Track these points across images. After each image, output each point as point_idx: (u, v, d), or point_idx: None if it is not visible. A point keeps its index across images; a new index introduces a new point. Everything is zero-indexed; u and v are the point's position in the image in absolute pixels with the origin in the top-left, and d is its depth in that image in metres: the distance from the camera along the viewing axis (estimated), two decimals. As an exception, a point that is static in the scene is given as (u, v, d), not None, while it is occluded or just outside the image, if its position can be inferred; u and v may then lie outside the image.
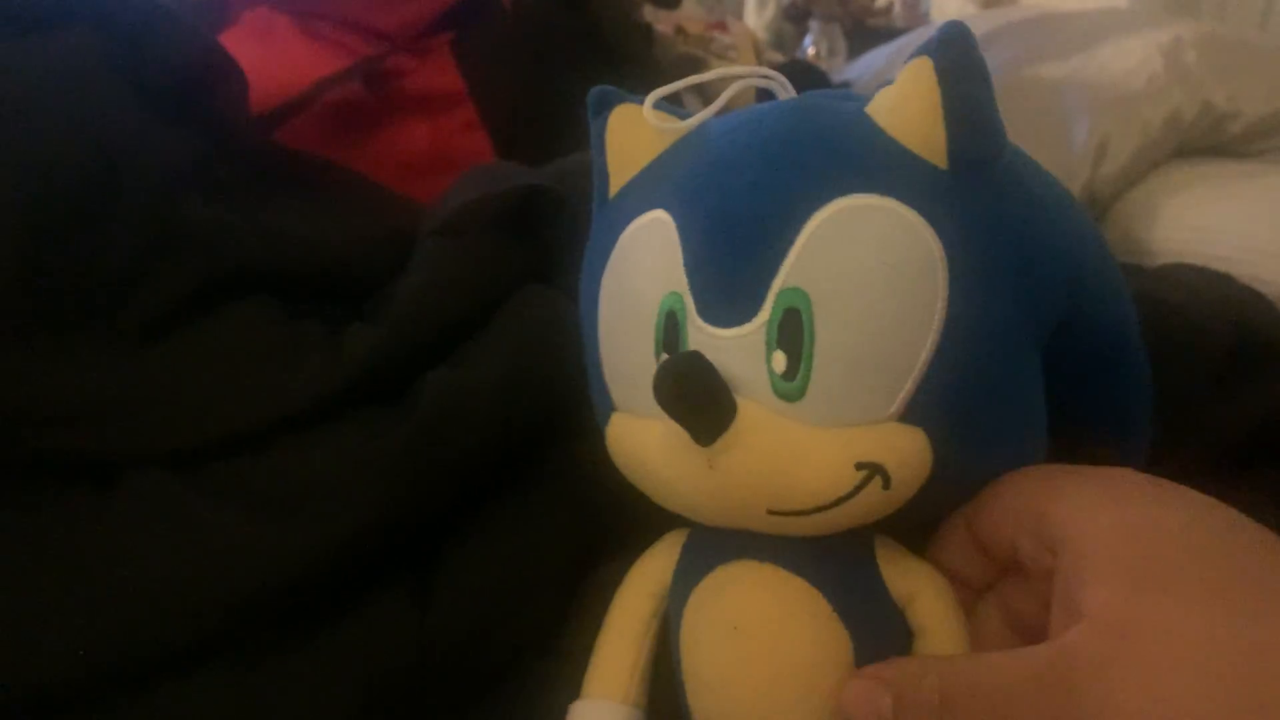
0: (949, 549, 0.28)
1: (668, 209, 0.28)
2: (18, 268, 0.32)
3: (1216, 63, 0.86)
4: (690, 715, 0.29)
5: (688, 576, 0.29)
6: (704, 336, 0.26)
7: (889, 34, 1.70)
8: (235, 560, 0.31)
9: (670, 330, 0.27)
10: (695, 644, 0.28)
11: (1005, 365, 0.26)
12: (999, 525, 0.26)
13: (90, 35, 0.39)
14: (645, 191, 0.29)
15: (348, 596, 0.33)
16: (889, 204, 0.25)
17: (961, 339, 0.24)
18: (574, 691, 0.30)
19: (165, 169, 0.37)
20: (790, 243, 0.25)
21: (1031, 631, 0.26)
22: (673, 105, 0.32)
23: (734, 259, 0.26)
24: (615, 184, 0.31)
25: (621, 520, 0.32)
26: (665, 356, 0.27)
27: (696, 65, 0.94)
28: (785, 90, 0.31)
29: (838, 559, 0.27)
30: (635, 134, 0.30)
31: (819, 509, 0.25)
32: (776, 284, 0.25)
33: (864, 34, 1.84)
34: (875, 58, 1.24)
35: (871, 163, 0.25)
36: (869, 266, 0.24)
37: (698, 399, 0.24)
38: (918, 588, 0.28)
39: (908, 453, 0.25)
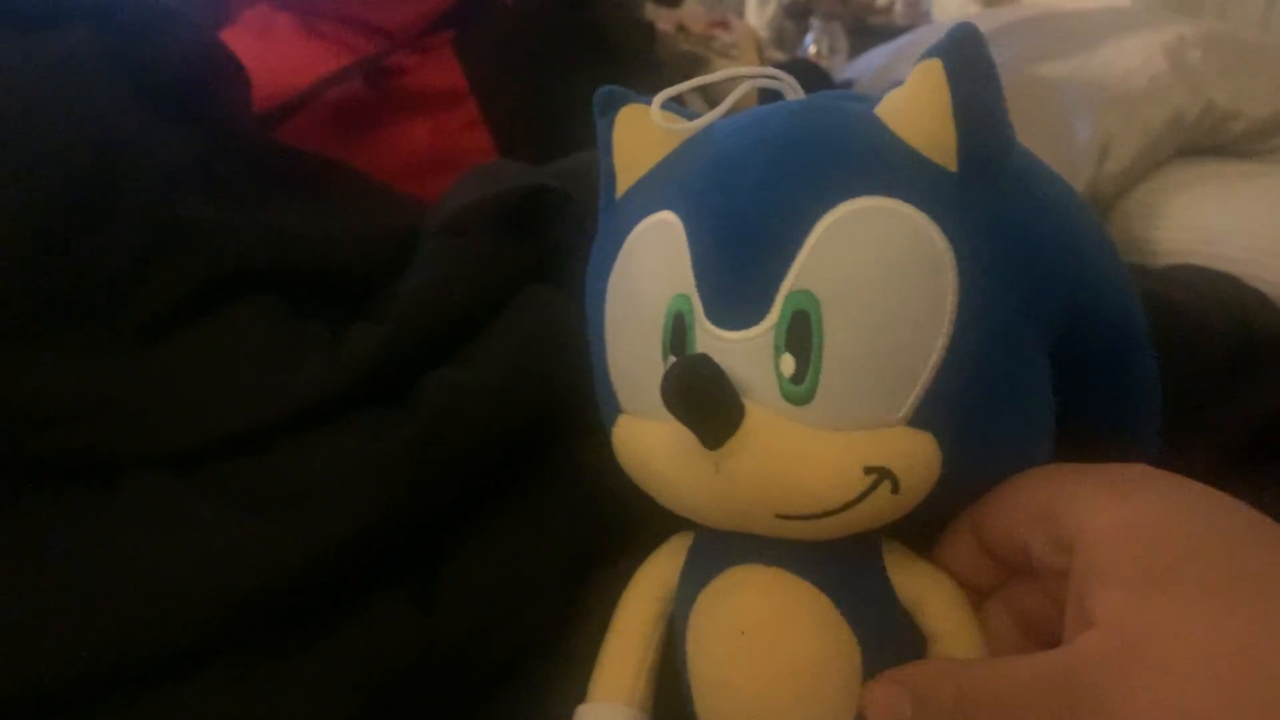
0: (955, 552, 0.28)
1: (675, 210, 0.27)
2: (18, 267, 0.32)
3: (1219, 62, 0.86)
4: (696, 719, 0.28)
5: (694, 580, 0.29)
6: (712, 339, 0.26)
7: (890, 32, 1.70)
8: (235, 561, 0.31)
9: (678, 332, 0.27)
10: (701, 648, 0.28)
11: (1014, 367, 0.26)
12: (1008, 527, 0.26)
13: (90, 34, 0.39)
14: (652, 192, 0.29)
15: (349, 597, 0.33)
16: (898, 206, 0.25)
17: (971, 341, 0.24)
18: (578, 693, 0.30)
19: (165, 168, 0.37)
20: (799, 245, 0.25)
21: (1043, 633, 0.26)
22: (676, 105, 0.31)
23: (743, 261, 0.25)
24: (622, 184, 0.31)
25: (624, 521, 0.32)
26: (673, 359, 0.26)
27: (698, 63, 0.94)
28: (794, 91, 0.31)
29: (845, 563, 0.27)
30: (642, 134, 0.30)
31: (827, 513, 0.25)
32: (785, 286, 0.25)
33: (865, 32, 1.85)
34: (876, 56, 1.23)
35: (881, 165, 0.25)
36: (878, 269, 0.24)
37: (705, 402, 0.24)
38: (926, 591, 0.28)
39: (916, 457, 0.24)
